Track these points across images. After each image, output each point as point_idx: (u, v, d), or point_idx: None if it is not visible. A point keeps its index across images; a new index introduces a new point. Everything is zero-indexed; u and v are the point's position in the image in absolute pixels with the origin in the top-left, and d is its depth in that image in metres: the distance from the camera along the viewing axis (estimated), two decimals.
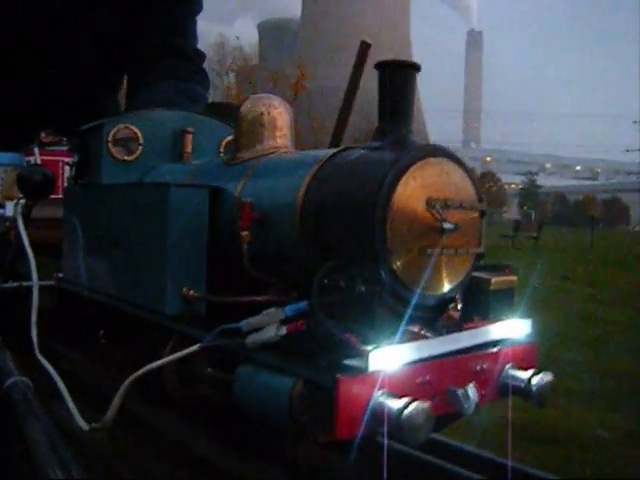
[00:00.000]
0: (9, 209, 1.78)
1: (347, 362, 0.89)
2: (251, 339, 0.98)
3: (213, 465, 1.12)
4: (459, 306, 1.07)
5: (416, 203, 0.97)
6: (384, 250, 0.95)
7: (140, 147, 1.48)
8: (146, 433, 1.25)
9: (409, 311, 0.94)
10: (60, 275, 1.61)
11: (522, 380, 1.03)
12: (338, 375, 0.86)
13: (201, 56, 2.71)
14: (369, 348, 0.89)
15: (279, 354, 0.95)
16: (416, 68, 1.04)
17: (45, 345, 1.45)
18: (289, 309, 0.97)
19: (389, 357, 0.89)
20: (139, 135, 1.47)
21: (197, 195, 1.19)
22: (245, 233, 1.10)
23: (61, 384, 1.27)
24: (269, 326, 0.97)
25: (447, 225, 0.96)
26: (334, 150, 1.10)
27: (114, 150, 1.45)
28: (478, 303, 1.08)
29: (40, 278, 1.54)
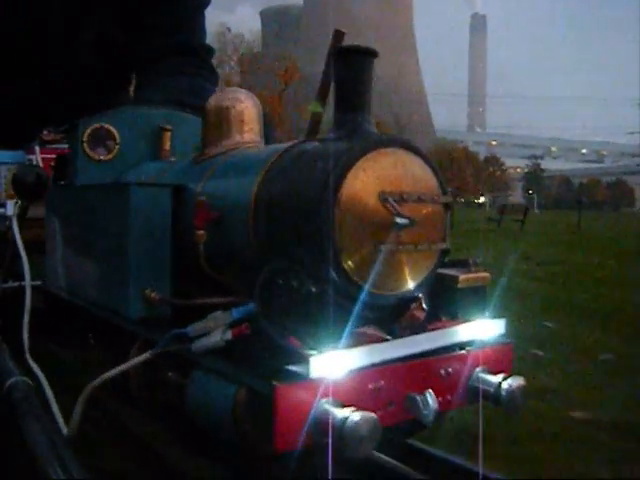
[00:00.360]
0: (10, 208, 1.78)
1: (288, 367, 0.84)
2: (197, 345, 0.94)
3: (172, 466, 1.09)
4: (425, 306, 1.00)
5: (367, 197, 0.90)
6: (333, 248, 0.89)
7: (117, 146, 1.45)
8: (115, 433, 1.22)
9: (356, 310, 0.88)
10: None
11: (492, 384, 0.96)
12: (275, 382, 0.81)
13: (209, 51, 2.67)
14: (312, 353, 0.83)
15: (224, 359, 0.91)
16: (372, 54, 0.98)
17: (39, 345, 1.45)
18: (236, 312, 0.92)
19: (333, 362, 0.84)
20: (116, 134, 1.44)
21: (160, 194, 1.15)
22: (201, 232, 1.06)
23: (48, 388, 1.26)
24: (215, 330, 0.92)
25: (401, 220, 0.89)
26: (288, 144, 1.04)
27: (89, 150, 1.42)
28: (445, 302, 1.01)
29: (34, 278, 1.54)
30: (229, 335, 0.91)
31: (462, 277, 1.01)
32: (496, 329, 1.02)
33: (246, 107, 1.22)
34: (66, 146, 1.92)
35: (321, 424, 0.82)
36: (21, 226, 1.61)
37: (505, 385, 0.95)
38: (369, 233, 0.91)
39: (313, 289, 0.88)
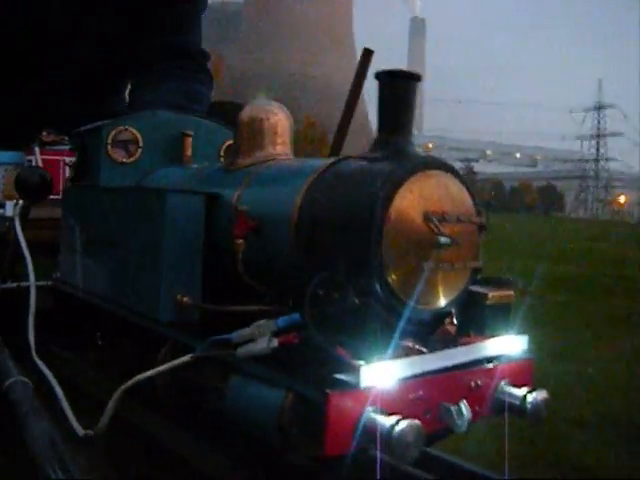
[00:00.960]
0: (9, 209, 1.77)
1: (339, 376, 0.88)
2: (242, 351, 0.97)
3: (205, 475, 1.11)
4: (455, 321, 1.05)
5: (413, 216, 0.95)
6: (379, 263, 0.93)
7: (139, 150, 1.47)
8: (139, 440, 1.24)
9: (401, 324, 0.92)
10: (57, 275, 1.60)
11: (517, 397, 1.02)
12: (328, 390, 0.84)
13: (205, 56, 2.68)
14: (361, 363, 0.88)
15: (270, 366, 0.94)
16: (416, 78, 1.03)
17: (42, 346, 1.45)
18: (281, 321, 0.96)
19: (381, 373, 0.88)
20: (139, 137, 1.46)
21: (194, 201, 1.18)
22: (240, 241, 1.09)
23: (58, 388, 1.26)
24: (261, 338, 0.96)
25: (444, 239, 0.95)
26: (332, 160, 1.09)
27: (113, 152, 1.44)
28: (474, 318, 1.07)
29: (38, 279, 1.54)
30: (275, 343, 0.94)
31: (491, 294, 1.06)
32: (520, 345, 1.07)
33: (279, 120, 1.26)
34: (66, 148, 1.93)
35: (368, 431, 0.86)
36: (23, 227, 1.61)
37: (530, 398, 1.01)
38: (413, 250, 0.95)
39: (357, 301, 0.93)
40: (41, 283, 1.55)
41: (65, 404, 1.20)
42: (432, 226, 0.95)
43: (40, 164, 1.89)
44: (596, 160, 71.50)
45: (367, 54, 1.30)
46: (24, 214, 1.60)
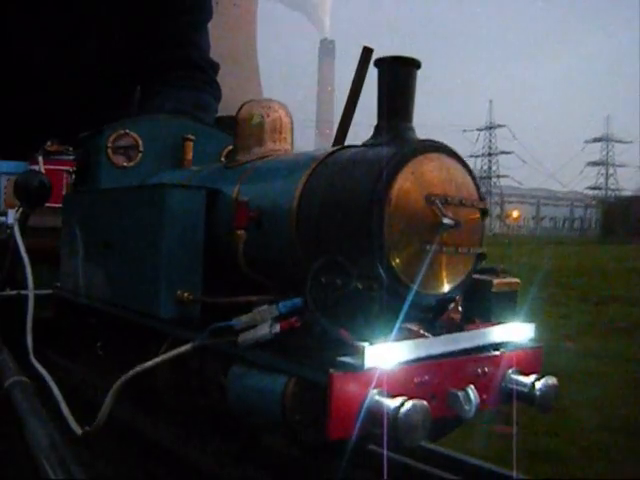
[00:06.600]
0: (11, 217, 1.77)
1: (342, 359, 0.86)
2: (243, 337, 0.95)
3: (206, 474, 1.08)
4: (460, 308, 1.03)
5: (415, 198, 0.94)
6: (382, 246, 0.92)
7: (140, 154, 1.46)
8: (137, 439, 1.21)
9: (405, 307, 0.90)
10: (58, 284, 1.58)
11: (526, 385, 0.99)
12: (332, 372, 0.82)
13: (213, 66, 2.69)
14: (365, 344, 0.86)
15: (272, 352, 0.92)
16: (416, 65, 1.03)
17: (41, 354, 1.43)
18: (283, 306, 0.94)
19: (386, 354, 0.86)
20: (139, 142, 1.46)
21: (194, 196, 1.17)
22: (241, 232, 1.08)
23: (55, 388, 1.24)
24: (262, 324, 0.94)
25: (447, 220, 0.93)
26: (331, 149, 1.08)
27: (113, 156, 1.44)
28: (480, 305, 1.05)
29: (38, 287, 1.52)
30: (277, 328, 0.92)
31: (496, 281, 1.05)
32: (527, 333, 1.05)
33: (279, 116, 1.26)
34: (70, 157, 1.93)
35: (373, 413, 0.83)
36: (22, 233, 1.60)
37: (539, 385, 0.98)
38: (416, 233, 0.94)
39: (360, 286, 0.91)
40: (41, 291, 1.53)
41: (63, 404, 1.17)
42: (435, 208, 0.94)
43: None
44: (488, 177, 73.90)
45: (367, 52, 1.31)
46: (24, 220, 1.59)
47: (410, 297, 0.92)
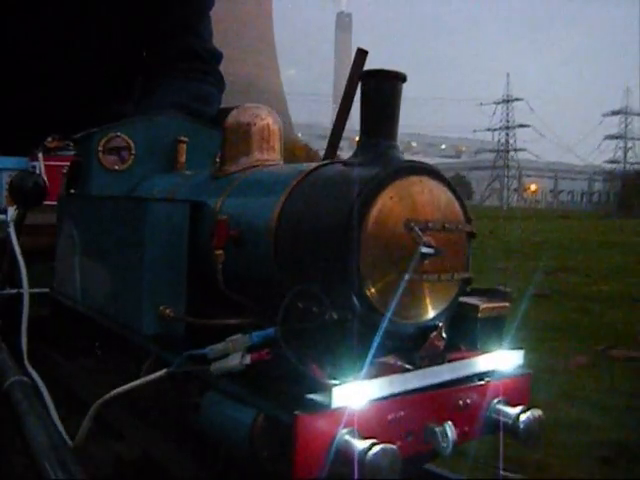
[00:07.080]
0: (11, 215, 1.76)
1: (310, 396, 0.83)
2: (215, 367, 0.92)
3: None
4: (444, 335, 0.99)
5: (393, 224, 0.89)
6: (356, 275, 0.88)
7: (132, 156, 1.44)
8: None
9: (377, 338, 0.86)
10: (54, 285, 1.58)
11: (510, 416, 0.95)
12: (297, 412, 0.79)
13: (216, 56, 2.62)
14: (334, 382, 0.82)
15: (242, 384, 0.90)
16: (401, 79, 0.97)
17: (38, 354, 1.43)
18: (256, 336, 0.91)
19: (355, 393, 0.83)
20: (131, 144, 1.43)
21: (177, 210, 1.14)
22: (219, 252, 1.05)
23: (47, 397, 1.24)
24: (234, 354, 0.91)
25: (425, 249, 0.89)
26: (314, 165, 1.04)
27: (105, 159, 1.41)
28: (465, 332, 1.00)
29: (36, 284, 1.52)
30: (248, 359, 0.90)
31: (483, 306, 1.00)
32: (515, 360, 1.01)
33: (267, 124, 1.22)
34: (71, 153, 1.91)
35: (341, 454, 0.80)
36: (19, 233, 1.60)
37: (523, 417, 0.94)
38: (393, 261, 0.90)
39: (335, 316, 0.88)
40: (37, 290, 1.53)
41: (53, 411, 1.17)
42: (414, 235, 0.89)
43: (43, 170, 1.87)
44: (506, 151, 72.80)
45: (361, 54, 1.25)
46: (19, 220, 1.58)
47: (383, 327, 0.88)
